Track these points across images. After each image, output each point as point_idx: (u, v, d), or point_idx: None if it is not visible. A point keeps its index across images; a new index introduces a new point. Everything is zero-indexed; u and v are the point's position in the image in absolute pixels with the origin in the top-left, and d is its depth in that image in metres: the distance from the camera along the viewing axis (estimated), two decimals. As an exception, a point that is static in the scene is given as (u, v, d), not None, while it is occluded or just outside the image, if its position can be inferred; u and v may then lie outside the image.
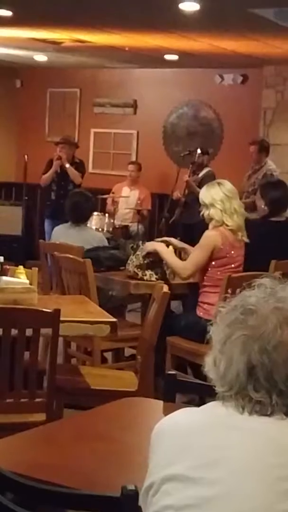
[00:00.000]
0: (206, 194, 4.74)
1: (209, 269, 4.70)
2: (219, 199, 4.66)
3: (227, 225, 4.66)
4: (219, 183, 4.80)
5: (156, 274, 4.94)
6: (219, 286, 4.61)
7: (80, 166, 8.59)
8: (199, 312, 4.72)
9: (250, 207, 6.11)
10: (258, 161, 7.97)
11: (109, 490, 1.73)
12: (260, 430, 1.47)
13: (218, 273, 4.67)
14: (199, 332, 4.23)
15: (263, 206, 5.45)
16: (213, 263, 4.68)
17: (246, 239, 4.75)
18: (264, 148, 8.02)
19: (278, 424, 1.48)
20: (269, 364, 1.47)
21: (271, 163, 7.97)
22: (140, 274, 4.99)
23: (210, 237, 4.69)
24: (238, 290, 1.61)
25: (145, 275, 4.97)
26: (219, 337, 1.54)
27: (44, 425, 2.90)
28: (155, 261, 4.98)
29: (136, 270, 5.00)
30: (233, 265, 4.70)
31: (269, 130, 9.05)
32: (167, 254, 4.88)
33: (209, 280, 4.72)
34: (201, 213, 4.78)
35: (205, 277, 4.73)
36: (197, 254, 4.72)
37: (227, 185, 4.78)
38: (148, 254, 4.97)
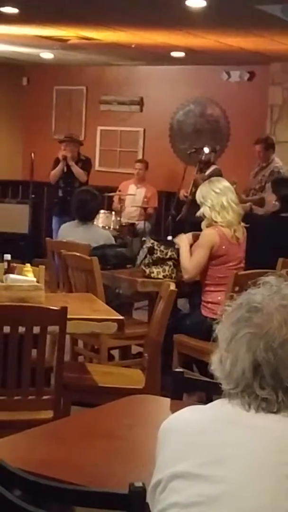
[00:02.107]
0: (198, 193, 4.81)
1: (210, 267, 4.70)
2: (208, 197, 4.70)
3: (215, 222, 4.67)
4: (209, 181, 4.86)
5: (164, 271, 4.95)
6: (221, 284, 4.62)
7: (86, 163, 8.59)
8: (204, 312, 4.71)
9: (259, 203, 6.12)
10: (266, 159, 7.95)
11: (117, 487, 1.74)
12: (266, 427, 1.48)
13: (219, 271, 4.67)
14: (205, 331, 4.24)
15: (274, 202, 5.49)
16: (213, 261, 4.68)
17: (239, 235, 4.73)
18: (270, 145, 8.00)
19: (284, 421, 1.48)
20: (274, 361, 1.48)
21: (278, 160, 7.95)
22: (147, 271, 5.00)
23: (208, 235, 4.69)
24: (245, 287, 1.62)
25: (153, 272, 4.97)
26: (224, 336, 1.54)
27: (51, 423, 2.90)
28: (163, 258, 4.98)
29: (143, 268, 5.02)
30: (233, 263, 4.70)
31: (276, 127, 9.02)
32: (185, 253, 4.83)
33: (211, 279, 4.71)
34: (197, 213, 4.81)
35: (206, 276, 4.73)
36: (198, 253, 4.71)
37: (218, 182, 4.82)
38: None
